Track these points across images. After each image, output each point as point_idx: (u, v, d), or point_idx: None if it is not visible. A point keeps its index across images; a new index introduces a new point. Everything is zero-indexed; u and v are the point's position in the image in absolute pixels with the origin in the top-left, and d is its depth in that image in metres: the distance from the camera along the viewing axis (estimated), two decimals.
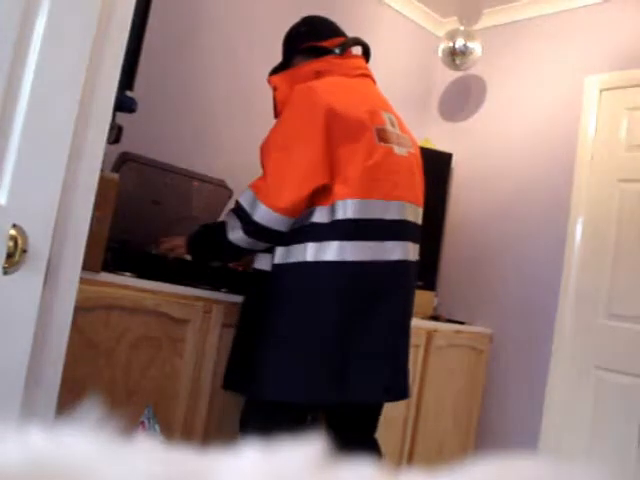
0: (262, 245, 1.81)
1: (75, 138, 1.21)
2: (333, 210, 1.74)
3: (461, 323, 3.17)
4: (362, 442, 1.93)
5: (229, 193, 2.37)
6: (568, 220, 3.08)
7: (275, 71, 2.03)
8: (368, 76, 1.99)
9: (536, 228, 3.20)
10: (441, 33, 3.68)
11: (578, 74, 3.17)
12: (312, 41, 1.97)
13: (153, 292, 1.89)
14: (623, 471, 2.68)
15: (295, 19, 2.07)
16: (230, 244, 1.82)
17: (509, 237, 3.29)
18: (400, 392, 1.90)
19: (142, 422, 1.56)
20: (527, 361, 3.11)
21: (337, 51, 1.93)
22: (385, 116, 1.89)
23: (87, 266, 1.42)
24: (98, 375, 1.77)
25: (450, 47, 3.48)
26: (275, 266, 1.79)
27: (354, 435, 1.93)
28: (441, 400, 2.88)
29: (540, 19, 3.37)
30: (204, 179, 2.34)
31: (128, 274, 1.89)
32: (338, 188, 1.73)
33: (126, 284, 1.84)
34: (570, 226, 3.07)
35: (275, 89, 1.93)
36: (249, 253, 1.90)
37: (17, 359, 1.17)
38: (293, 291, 1.76)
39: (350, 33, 2.06)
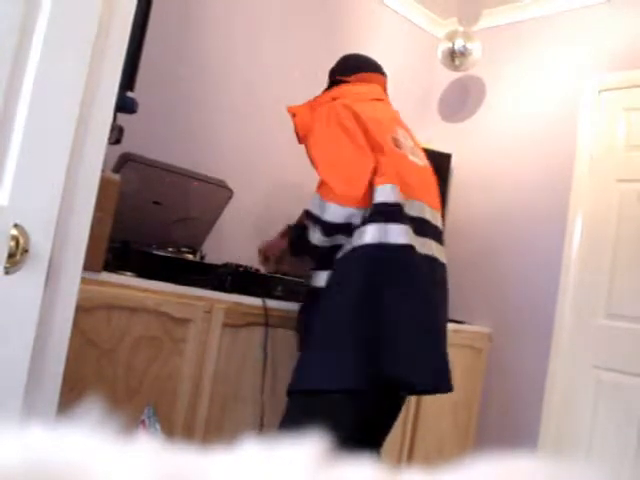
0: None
1: (76, 139, 1.21)
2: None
3: (460, 322, 3.16)
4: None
5: (229, 193, 2.37)
6: (567, 220, 3.08)
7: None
8: (381, 100, 2.08)
9: (535, 228, 3.20)
10: (441, 34, 3.68)
11: (577, 75, 3.17)
12: (338, 75, 2.14)
13: (154, 292, 1.89)
14: (622, 470, 2.68)
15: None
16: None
17: (508, 237, 3.30)
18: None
19: (143, 421, 1.56)
20: (526, 360, 3.12)
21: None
22: (397, 129, 2.00)
23: (88, 266, 1.42)
24: (99, 374, 1.77)
25: (449, 48, 3.49)
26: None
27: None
28: (440, 400, 2.88)
29: (539, 20, 3.38)
30: (204, 179, 2.34)
31: (129, 274, 1.89)
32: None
33: (127, 284, 1.84)
34: (569, 226, 3.07)
35: (294, 115, 2.06)
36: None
37: (18, 359, 1.17)
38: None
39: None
